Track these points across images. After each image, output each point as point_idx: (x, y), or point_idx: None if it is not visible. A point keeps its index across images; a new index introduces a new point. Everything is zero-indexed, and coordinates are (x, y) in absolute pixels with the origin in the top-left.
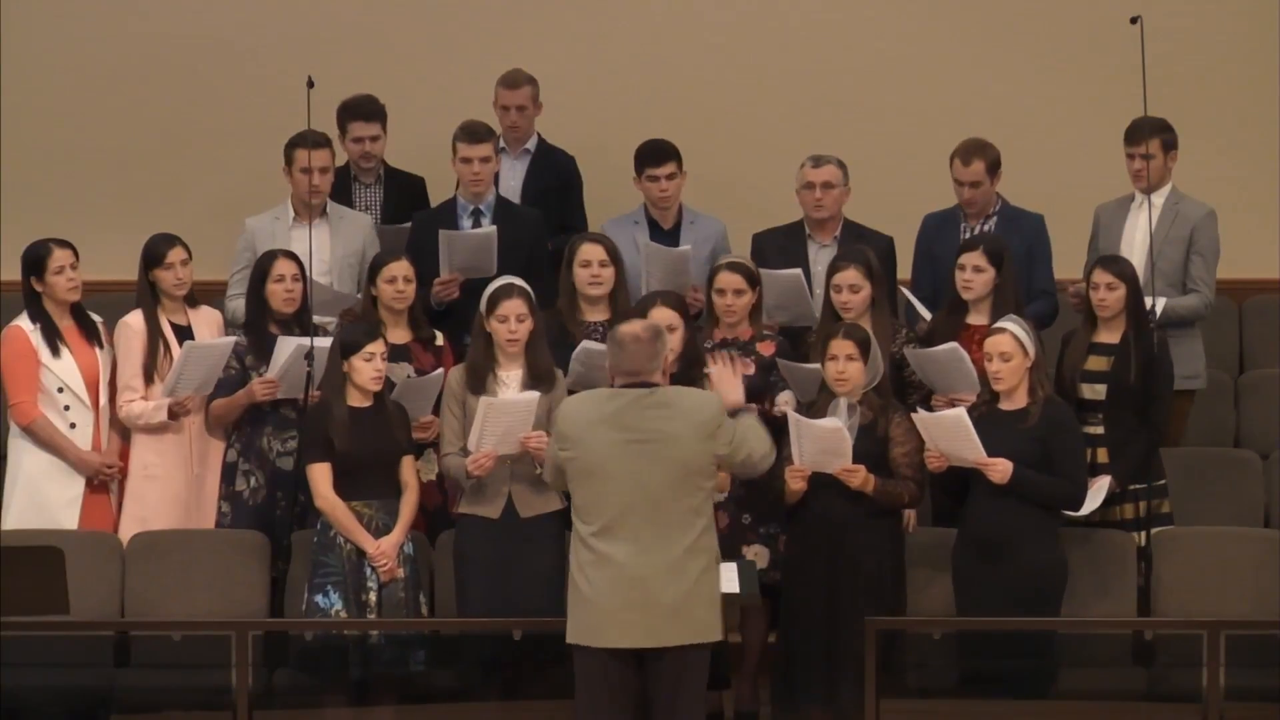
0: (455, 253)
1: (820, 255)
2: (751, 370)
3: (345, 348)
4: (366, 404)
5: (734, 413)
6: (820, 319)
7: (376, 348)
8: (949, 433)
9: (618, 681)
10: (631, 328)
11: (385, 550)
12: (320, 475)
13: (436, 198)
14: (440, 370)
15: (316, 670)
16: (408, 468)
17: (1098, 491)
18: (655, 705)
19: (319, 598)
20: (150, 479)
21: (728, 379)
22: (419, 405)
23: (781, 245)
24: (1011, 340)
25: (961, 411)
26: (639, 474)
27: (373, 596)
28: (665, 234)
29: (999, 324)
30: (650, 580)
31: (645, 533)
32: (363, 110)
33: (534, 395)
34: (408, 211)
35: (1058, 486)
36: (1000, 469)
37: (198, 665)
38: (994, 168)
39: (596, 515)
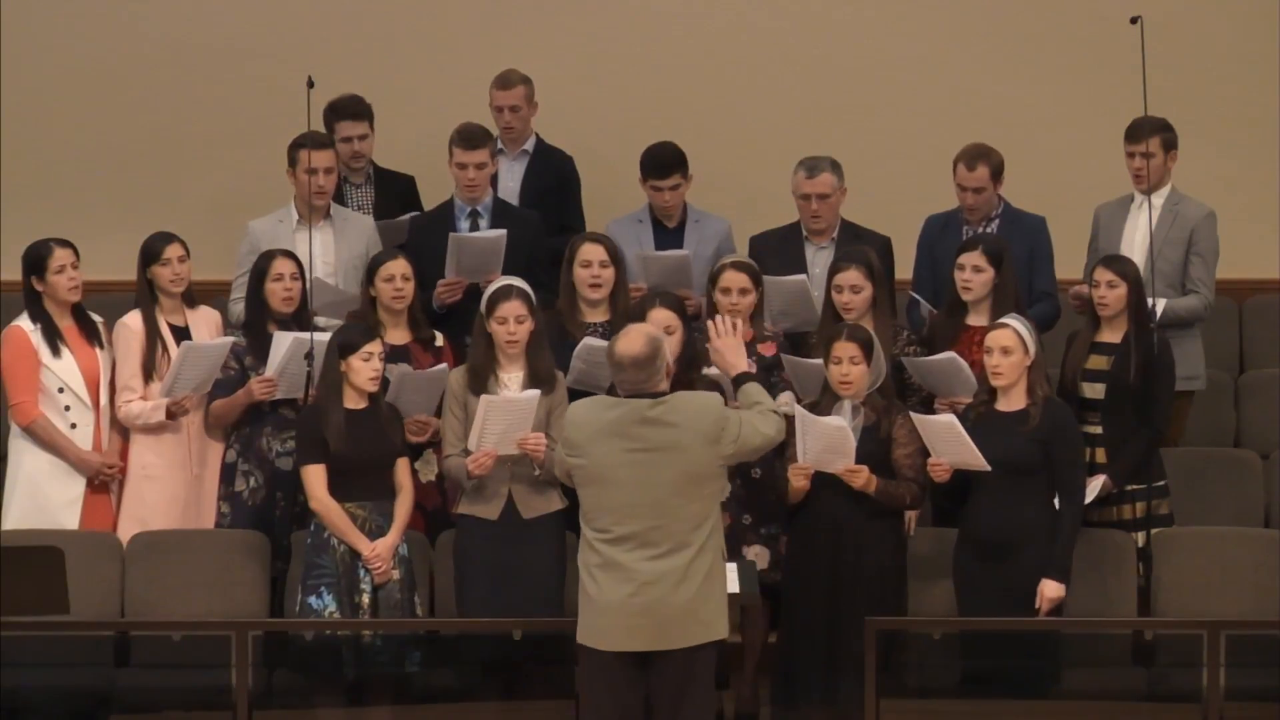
0: (464, 256)
1: (818, 257)
2: (750, 336)
3: (342, 348)
4: (362, 405)
5: (739, 379)
6: (821, 320)
7: (374, 348)
8: (942, 438)
9: (623, 683)
10: (629, 348)
11: (380, 553)
12: (315, 477)
13: (427, 196)
14: (443, 366)
15: (312, 671)
16: (403, 470)
17: (1091, 490)
18: (660, 707)
19: (312, 599)
20: (149, 479)
21: (732, 347)
22: (418, 402)
23: (778, 248)
24: (1013, 335)
25: (952, 418)
26: (646, 481)
27: (366, 598)
28: (670, 233)
29: (1002, 320)
30: (658, 584)
31: (652, 537)
32: (350, 110)
33: (534, 394)
34: (398, 210)
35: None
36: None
37: (198, 665)
38: (997, 173)
39: (604, 520)
